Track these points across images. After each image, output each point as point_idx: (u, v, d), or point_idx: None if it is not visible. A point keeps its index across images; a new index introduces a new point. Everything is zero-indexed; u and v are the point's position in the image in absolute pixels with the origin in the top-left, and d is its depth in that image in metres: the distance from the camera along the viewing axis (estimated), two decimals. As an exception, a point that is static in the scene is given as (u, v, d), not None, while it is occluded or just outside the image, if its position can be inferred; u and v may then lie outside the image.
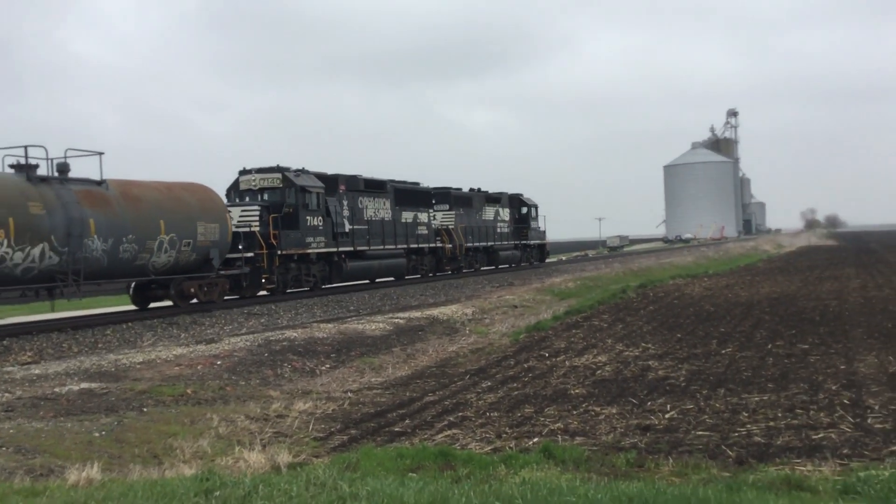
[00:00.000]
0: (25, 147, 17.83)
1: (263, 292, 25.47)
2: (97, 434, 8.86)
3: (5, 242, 16.33)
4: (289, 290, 26.18)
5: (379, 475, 6.55)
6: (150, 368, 12.99)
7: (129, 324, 18.74)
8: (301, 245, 26.28)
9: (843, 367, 11.80)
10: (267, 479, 5.49)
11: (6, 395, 10.71)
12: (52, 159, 18.50)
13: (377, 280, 32.54)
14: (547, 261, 50.31)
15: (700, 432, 8.54)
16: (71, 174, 18.76)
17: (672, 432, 8.61)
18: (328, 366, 14.55)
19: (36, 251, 17.03)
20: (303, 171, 27.53)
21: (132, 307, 22.11)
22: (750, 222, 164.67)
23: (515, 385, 12.01)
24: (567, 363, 13.56)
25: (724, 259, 53.92)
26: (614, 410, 9.80)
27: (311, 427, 9.92)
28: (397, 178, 34.77)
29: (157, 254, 20.03)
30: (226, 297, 23.29)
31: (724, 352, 13.84)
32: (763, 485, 6.27)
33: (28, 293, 18.02)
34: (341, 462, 7.47)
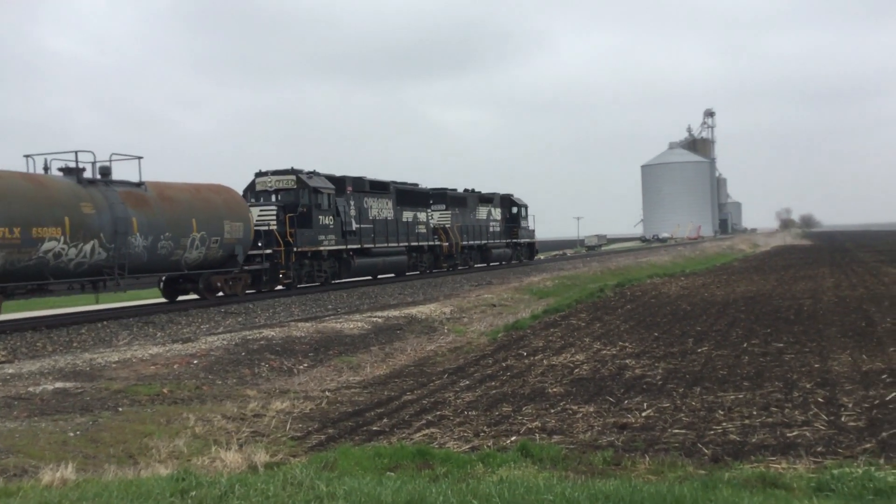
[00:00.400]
0: (76, 152, 19.71)
1: (280, 287, 27.26)
2: (72, 434, 8.78)
3: (62, 239, 18.10)
4: (301, 285, 27.91)
5: (356, 474, 6.54)
6: (126, 368, 12.87)
7: (105, 322, 18.58)
8: (314, 243, 28.11)
9: (817, 365, 11.93)
10: (243, 479, 5.47)
11: (-21, 394, 10.57)
12: (94, 163, 20.19)
13: (379, 276, 34.08)
14: (535, 258, 52.12)
15: (676, 430, 8.60)
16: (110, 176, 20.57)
17: (648, 430, 8.66)
18: (306, 365, 14.49)
19: (87, 247, 18.80)
20: (315, 173, 29.19)
21: (106, 306, 22.09)
22: (726, 222, 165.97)
23: (493, 384, 12.03)
24: (545, 362, 13.60)
25: (700, 258, 54.30)
26: (591, 409, 9.84)
27: (288, 426, 9.88)
28: (398, 180, 36.29)
29: (190, 250, 21.97)
30: (247, 291, 25.26)
31: (700, 350, 13.94)
32: (738, 482, 6.32)
33: (74, 286, 19.59)
34: (319, 461, 7.45)
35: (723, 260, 52.42)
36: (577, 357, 13.85)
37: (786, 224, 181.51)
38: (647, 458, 7.43)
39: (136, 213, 20.26)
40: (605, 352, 14.32)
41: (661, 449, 7.84)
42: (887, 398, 9.44)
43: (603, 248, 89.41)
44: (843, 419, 8.64)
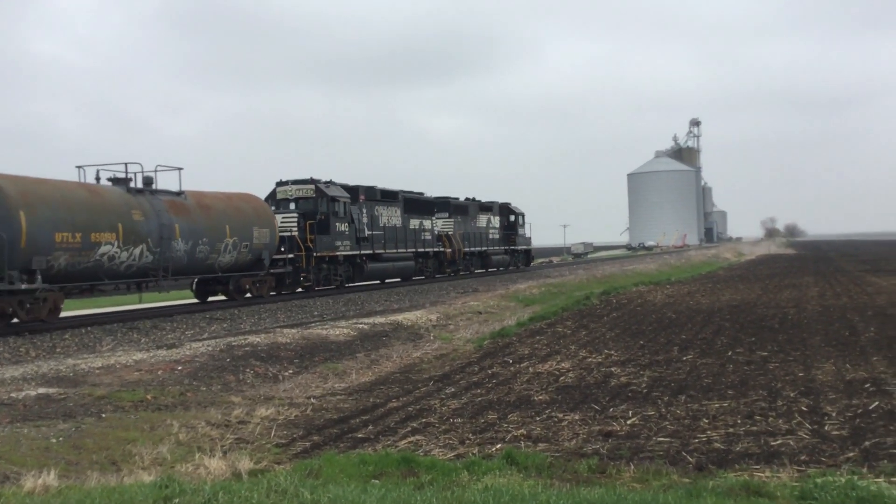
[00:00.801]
0: (126, 164, 21.86)
1: (299, 289, 29.34)
2: (54, 440, 8.71)
3: (115, 243, 19.98)
4: (318, 288, 29.91)
5: (341, 482, 6.51)
6: (110, 373, 12.79)
7: (88, 328, 18.47)
8: (332, 248, 30.24)
9: (801, 374, 11.99)
10: (227, 486, 5.44)
11: (-40, 400, 10.47)
12: (137, 173, 22.14)
13: (387, 280, 36.16)
14: (531, 264, 54.57)
15: (661, 439, 8.62)
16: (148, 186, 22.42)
17: (633, 438, 8.67)
18: (291, 371, 14.45)
19: (137, 251, 20.76)
20: (331, 183, 31.27)
21: (89, 311, 22.09)
22: (711, 230, 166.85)
23: (479, 391, 12.02)
24: (531, 369, 13.61)
25: (686, 267, 54.53)
26: (577, 417, 9.85)
27: (273, 433, 9.84)
28: (406, 189, 38.24)
29: (223, 254, 24.07)
30: (272, 292, 27.41)
31: (685, 358, 13.99)
32: (722, 491, 6.34)
33: (121, 286, 21.36)
34: (303, 469, 7.42)
35: (708, 268, 52.66)
36: (563, 365, 13.87)
37: (770, 233, 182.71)
38: (632, 467, 7.44)
39: (178, 219, 22.26)
40: (590, 359, 14.35)
41: (646, 457, 7.85)
42: (870, 407, 9.50)
43: (589, 256, 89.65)
44: (826, 428, 8.68)
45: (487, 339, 18.28)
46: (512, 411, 10.40)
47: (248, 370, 13.97)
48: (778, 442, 8.19)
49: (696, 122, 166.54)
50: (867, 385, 10.86)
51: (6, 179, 18.25)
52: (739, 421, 9.20)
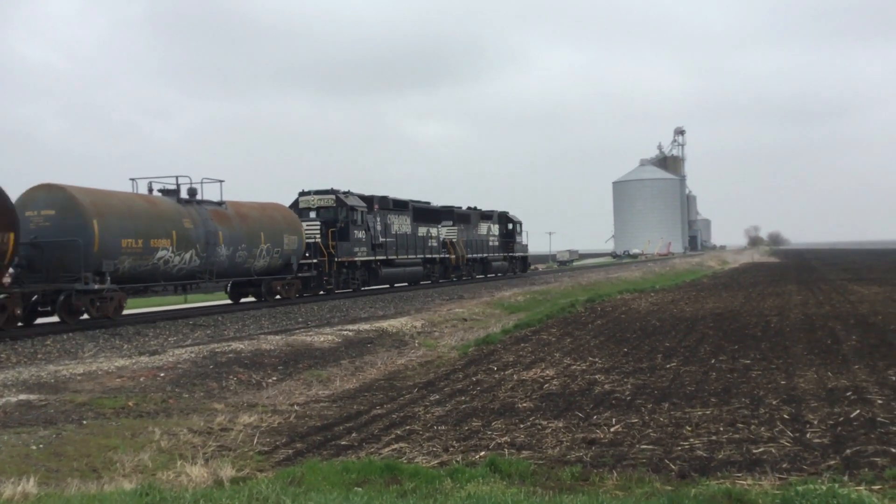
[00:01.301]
0: (177, 177, 24.33)
1: (322, 292, 31.33)
2: (35, 447, 8.63)
3: (170, 249, 22.21)
4: (338, 291, 32.21)
5: (324, 490, 6.48)
6: (91, 380, 12.70)
7: (70, 334, 18.32)
8: (350, 254, 32.62)
9: (783, 382, 12.05)
10: (208, 494, 5.40)
11: (-61, 406, 10.37)
12: (182, 185, 24.34)
13: (396, 284, 38.12)
14: (528, 271, 56.83)
15: (644, 446, 8.63)
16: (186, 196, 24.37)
17: (617, 446, 8.69)
18: (275, 378, 14.38)
19: (187, 255, 22.94)
20: (349, 193, 33.65)
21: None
22: (696, 238, 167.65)
23: (463, 398, 12.01)
24: (515, 377, 13.61)
25: (670, 274, 54.75)
26: (561, 424, 9.86)
27: (255, 441, 9.78)
28: (415, 199, 40.57)
29: (258, 259, 26.36)
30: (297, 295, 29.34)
31: (668, 366, 14.04)
32: (704, 498, 6.36)
33: (168, 288, 23.54)
34: (286, 476, 7.38)
35: (692, 276, 52.89)
36: (548, 372, 13.88)
37: (754, 241, 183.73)
38: (615, 474, 7.45)
39: (221, 227, 24.61)
40: (574, 367, 14.37)
41: (629, 464, 7.87)
42: (852, 415, 9.56)
43: (574, 264, 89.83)
44: (808, 436, 8.73)
45: (472, 346, 18.28)
46: (496, 419, 10.40)
47: (231, 377, 13.90)
48: (760, 450, 8.22)
49: (680, 131, 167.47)
50: (849, 393, 10.93)
51: (81, 191, 20.47)
52: (722, 429, 9.24)
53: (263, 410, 11.58)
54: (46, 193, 20.21)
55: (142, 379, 12.93)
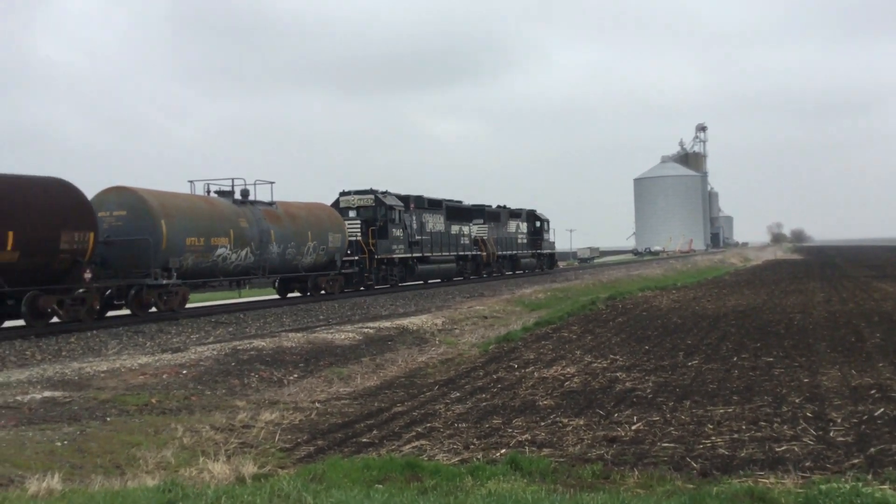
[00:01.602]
0: (232, 179, 26.35)
1: (362, 287, 33.04)
2: (59, 443, 8.73)
3: (228, 246, 23.97)
4: (377, 286, 33.61)
5: (345, 486, 6.51)
6: (115, 377, 12.81)
7: (94, 332, 18.50)
8: (389, 251, 34.20)
9: (806, 380, 11.95)
10: (230, 491, 5.43)
11: (-34, 403, 10.50)
12: (237, 187, 26.26)
13: (429, 280, 39.43)
14: (555, 268, 58.62)
15: (665, 444, 8.59)
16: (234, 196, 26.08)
17: (638, 444, 8.65)
18: (296, 376, 14.45)
19: (243, 253, 24.67)
20: (387, 193, 35.22)
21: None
22: (718, 235, 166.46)
23: (484, 396, 12.01)
24: (536, 374, 13.59)
25: (692, 272, 54.43)
26: (581, 422, 9.84)
27: (277, 438, 9.84)
28: (448, 198, 42.18)
29: (306, 256, 28.10)
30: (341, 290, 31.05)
31: (690, 364, 13.96)
32: (726, 497, 6.32)
33: (224, 283, 25.88)
34: (307, 473, 7.41)
35: (714, 273, 52.55)
36: (568, 370, 13.84)
37: (777, 238, 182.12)
38: (636, 472, 7.42)
39: (273, 226, 26.29)
40: (595, 364, 14.32)
41: (651, 463, 7.83)
42: (876, 413, 9.46)
43: (595, 261, 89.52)
44: (831, 434, 8.65)
45: (493, 343, 18.27)
46: (517, 416, 10.39)
47: (253, 374, 13.98)
48: (783, 448, 8.16)
49: (702, 128, 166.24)
50: (873, 391, 10.82)
51: (149, 193, 22.13)
52: (744, 427, 9.18)
53: (285, 407, 11.64)
54: (118, 195, 21.80)
55: (165, 376, 13.03)
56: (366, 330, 19.30)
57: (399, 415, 11.03)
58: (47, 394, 11.27)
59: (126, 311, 22.03)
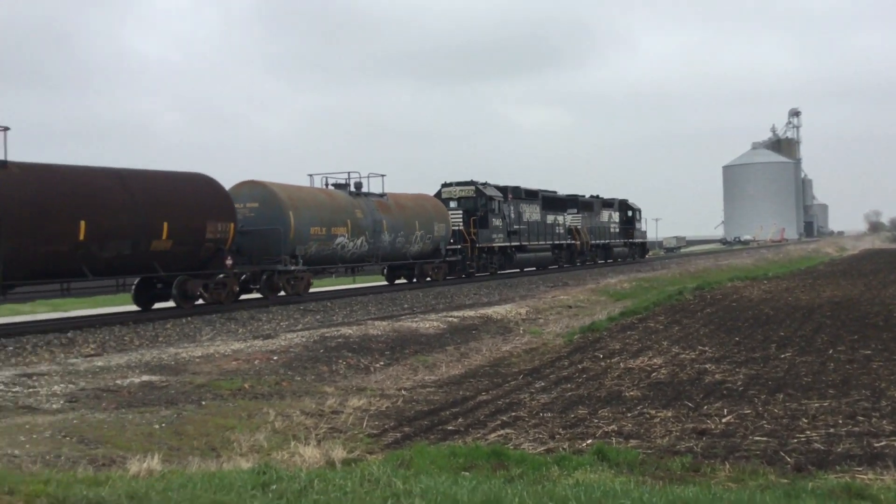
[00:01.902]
0: (348, 173, 28.49)
1: (464, 275, 34.52)
2: (157, 426, 9.06)
3: (346, 235, 26.06)
4: (478, 274, 35.07)
5: (432, 473, 6.58)
6: (209, 362, 13.22)
7: (189, 318, 19.12)
8: (489, 240, 35.63)
9: (908, 374, 11.48)
10: (322, 474, 5.57)
11: (70, 385, 11.00)
12: (354, 181, 28.54)
13: (525, 269, 40.42)
14: (646, 256, 59.62)
15: (758, 438, 8.39)
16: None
17: (729, 437, 8.48)
18: (382, 363, 14.66)
19: (359, 241, 26.74)
20: (487, 184, 36.63)
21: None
22: (812, 224, 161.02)
23: (569, 386, 11.95)
24: (622, 365, 13.44)
25: (784, 261, 52.82)
26: (669, 414, 9.69)
27: (364, 423, 10.00)
28: (543, 188, 43.02)
29: (413, 244, 29.98)
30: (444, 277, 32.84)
31: (783, 356, 13.57)
32: (822, 492, 6.14)
33: (341, 270, 28.25)
34: (395, 459, 7.52)
35: (807, 263, 50.85)
36: (655, 361, 13.64)
37: (875, 227, 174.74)
38: (727, 466, 7.27)
39: (385, 216, 28.32)
40: (683, 356, 14.07)
41: (742, 456, 7.66)
42: (984, 410, 9.03)
43: (682, 251, 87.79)
44: (935, 430, 8.30)
45: (577, 333, 18.14)
46: (602, 407, 10.31)
47: (340, 361, 14.23)
48: (882, 443, 7.87)
49: (795, 113, 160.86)
50: (981, 387, 10.32)
51: (278, 187, 24.31)
52: (841, 421, 8.89)
53: (372, 394, 11.82)
54: (250, 189, 24.08)
55: (256, 362, 13.39)
56: (450, 319, 19.42)
57: (484, 403, 11.08)
58: (145, 378, 11.71)
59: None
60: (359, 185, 28.57)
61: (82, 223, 17.40)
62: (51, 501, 5.09)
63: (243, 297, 23.56)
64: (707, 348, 14.76)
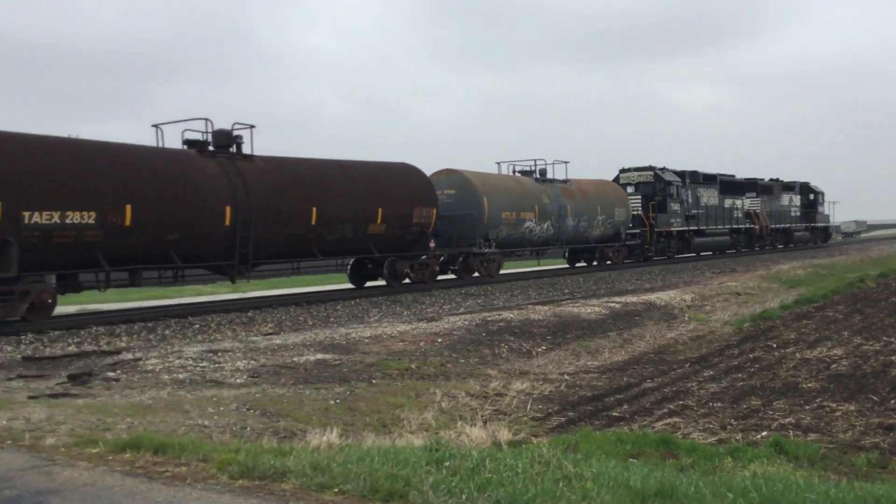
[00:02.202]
0: (534, 160, 30.17)
1: (643, 259, 35.05)
2: (332, 402, 9.48)
3: (533, 220, 27.56)
4: (655, 258, 35.74)
5: (600, 458, 6.54)
6: (377, 343, 13.67)
7: (356, 300, 19.84)
8: (667, 224, 36.11)
9: None
10: (493, 454, 5.66)
11: (252, 362, 11.68)
12: (538, 168, 29.95)
13: (702, 253, 40.32)
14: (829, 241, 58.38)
15: (954, 436, 7.80)
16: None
17: (920, 434, 7.93)
18: (544, 348, 14.66)
19: (545, 226, 28.28)
20: (665, 169, 36.93)
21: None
22: None
23: (740, 376, 11.53)
24: (797, 355, 12.82)
25: (980, 247, 48.52)
26: (852, 407, 9.17)
27: (528, 407, 10.06)
28: (721, 172, 43.01)
29: (595, 229, 31.20)
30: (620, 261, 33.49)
31: (981, 350, 12.52)
32: None
33: (525, 253, 29.64)
34: (561, 443, 7.53)
35: None
36: (835, 351, 12.92)
37: None
38: (920, 464, 6.81)
39: (569, 202, 29.60)
40: (866, 347, 13.25)
41: (936, 455, 7.15)
42: None
43: (861, 235, 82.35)
44: None
45: (747, 321, 17.44)
46: (777, 398, 9.89)
47: (502, 345, 14.35)
48: None
49: None
50: None
51: (473, 174, 26.09)
52: None
53: (535, 378, 11.87)
54: (447, 177, 25.89)
55: (421, 343, 13.72)
56: (611, 304, 19.14)
57: (649, 391, 10.88)
58: (319, 356, 12.26)
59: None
60: (543, 172, 29.82)
61: (314, 209, 19.53)
62: (241, 469, 5.43)
63: (440, 277, 24.91)
64: (893, 339, 13.82)
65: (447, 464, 5.32)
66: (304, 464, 5.43)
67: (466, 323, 15.63)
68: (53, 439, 6.44)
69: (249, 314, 17.27)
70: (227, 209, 17.58)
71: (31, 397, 8.78)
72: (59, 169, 14.94)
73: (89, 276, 16.32)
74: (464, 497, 4.63)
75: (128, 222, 15.73)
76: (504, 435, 8.12)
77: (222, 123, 20.10)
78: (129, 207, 15.74)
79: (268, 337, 14.31)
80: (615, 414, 9.61)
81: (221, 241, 17.71)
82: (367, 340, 13.76)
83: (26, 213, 14.24)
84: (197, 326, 15.60)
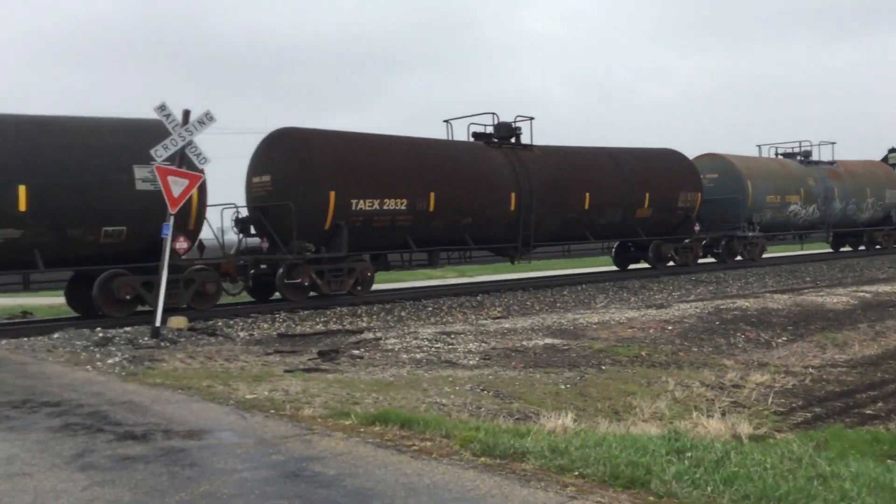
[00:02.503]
0: (800, 143, 30.42)
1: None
2: (563, 386, 9.54)
3: (799, 203, 27.58)
4: None
5: (855, 458, 6.11)
6: (605, 329, 13.56)
7: (583, 286, 19.77)
8: None
9: None
10: (737, 447, 5.46)
11: (483, 344, 11.99)
12: (802, 150, 29.99)
13: None
14: None
15: None
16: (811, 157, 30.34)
17: None
18: (784, 339, 13.87)
19: (810, 209, 28.12)
20: None
21: (588, 270, 24.53)
22: None
23: None
24: None
25: None
26: None
27: (769, 400, 9.59)
28: None
29: (864, 212, 30.88)
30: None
31: None
32: None
33: (788, 236, 30.18)
34: (808, 440, 7.11)
35: None
36: None
37: None
38: None
39: (836, 184, 29.35)
40: None
41: None
42: None
43: None
44: None
45: None
46: None
47: (738, 334, 13.75)
48: None
49: None
50: None
51: (737, 159, 26.54)
52: None
53: (775, 370, 11.28)
54: (710, 161, 26.35)
55: (651, 331, 13.45)
56: (861, 294, 17.76)
57: (908, 388, 10.00)
58: (548, 341, 12.36)
59: (612, 267, 24.53)
60: (807, 154, 29.86)
61: (587, 195, 20.84)
62: (482, 447, 5.61)
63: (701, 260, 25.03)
64: None
65: (689, 454, 5.19)
66: (543, 446, 5.51)
67: (698, 310, 15.12)
68: (310, 410, 6.98)
69: (479, 298, 17.73)
70: (512, 195, 19.24)
71: (287, 371, 9.57)
72: (378, 162, 17.13)
73: (395, 256, 18.52)
74: (709, 489, 4.50)
75: (431, 208, 17.69)
76: (744, 428, 7.80)
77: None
78: (432, 195, 17.69)
79: (497, 320, 14.62)
80: (868, 412, 8.95)
81: (506, 225, 19.38)
82: (594, 326, 13.69)
83: (354, 201, 16.45)
84: (430, 309, 16.24)
